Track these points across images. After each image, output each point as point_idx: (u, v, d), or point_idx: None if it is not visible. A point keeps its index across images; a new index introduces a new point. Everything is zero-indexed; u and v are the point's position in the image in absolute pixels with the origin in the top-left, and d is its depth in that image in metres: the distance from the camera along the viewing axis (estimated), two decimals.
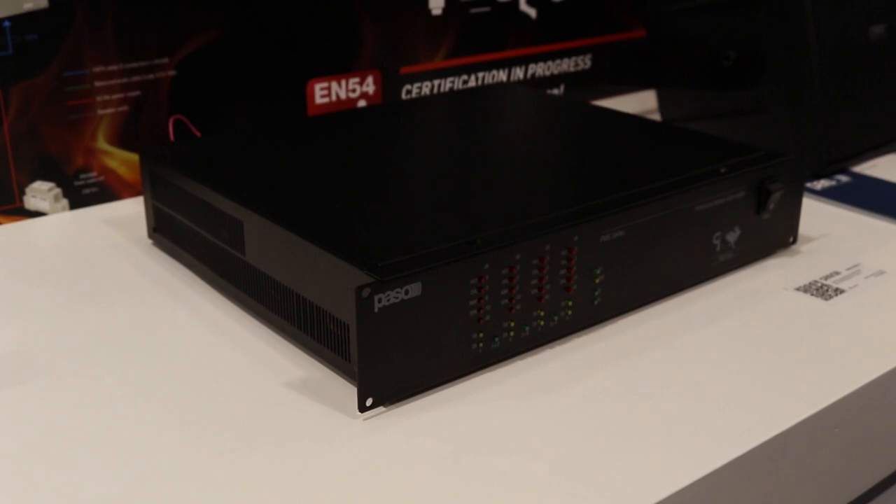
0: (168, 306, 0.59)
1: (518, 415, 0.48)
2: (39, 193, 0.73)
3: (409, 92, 0.90)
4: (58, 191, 0.74)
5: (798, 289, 0.62)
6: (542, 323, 0.54)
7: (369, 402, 0.48)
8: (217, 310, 0.59)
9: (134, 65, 0.74)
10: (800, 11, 0.77)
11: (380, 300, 0.46)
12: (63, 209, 0.74)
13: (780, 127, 0.81)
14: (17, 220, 0.72)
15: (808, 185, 0.79)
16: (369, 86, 0.87)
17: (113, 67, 0.73)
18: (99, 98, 0.73)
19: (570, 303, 0.55)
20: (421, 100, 0.80)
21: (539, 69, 0.98)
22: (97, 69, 0.73)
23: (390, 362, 0.48)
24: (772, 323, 0.57)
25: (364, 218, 0.54)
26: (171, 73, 0.76)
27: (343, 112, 0.75)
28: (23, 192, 0.72)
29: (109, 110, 0.74)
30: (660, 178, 0.60)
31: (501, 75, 0.96)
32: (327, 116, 0.74)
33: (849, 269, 0.64)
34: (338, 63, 0.84)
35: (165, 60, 0.75)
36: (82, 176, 0.74)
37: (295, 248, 0.52)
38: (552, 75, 0.99)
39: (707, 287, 0.62)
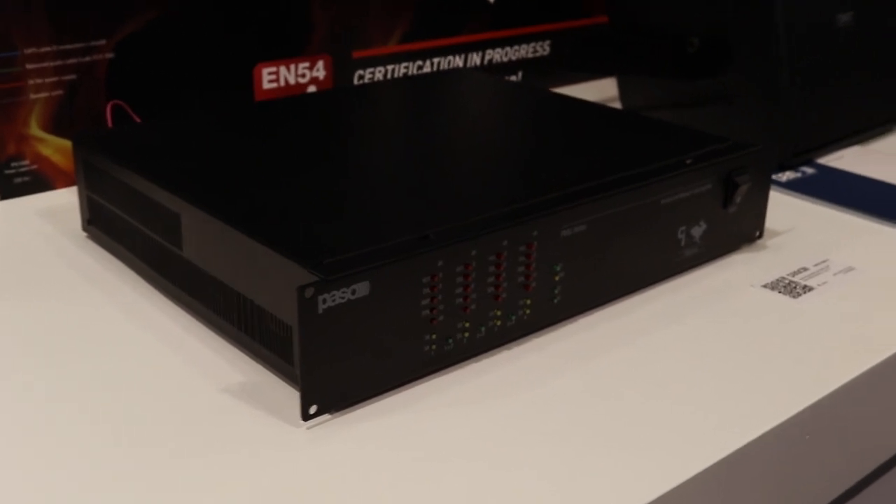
0: (100, 304, 0.56)
1: (473, 421, 0.45)
2: None
3: (361, 77, 0.86)
4: None
5: (765, 286, 0.59)
6: (498, 323, 0.51)
7: (313, 409, 0.45)
8: (153, 308, 0.55)
9: (69, 46, 0.70)
10: None
11: (324, 301, 0.43)
12: None
13: (746, 117, 0.78)
14: None
15: (774, 176, 0.76)
16: (319, 71, 0.83)
17: (46, 49, 0.69)
18: (31, 81, 0.69)
19: (529, 301, 0.52)
20: (373, 85, 0.76)
21: (497, 55, 0.95)
22: (28, 51, 0.68)
23: (336, 367, 0.45)
24: (739, 322, 0.55)
25: (310, 211, 0.51)
26: (109, 55, 0.72)
27: (291, 98, 0.71)
28: None
29: (42, 94, 0.70)
30: (624, 169, 0.57)
31: (458, 61, 0.92)
32: (274, 102, 0.70)
33: (817, 265, 0.62)
34: (287, 46, 0.81)
35: (103, 42, 0.71)
36: (14, 164, 0.70)
37: (234, 243, 0.49)
38: (510, 61, 0.96)
39: (671, 284, 0.59)
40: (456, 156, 0.60)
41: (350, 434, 0.44)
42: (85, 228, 0.64)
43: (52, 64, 0.69)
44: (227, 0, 0.76)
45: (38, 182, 0.71)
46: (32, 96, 0.69)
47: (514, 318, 0.51)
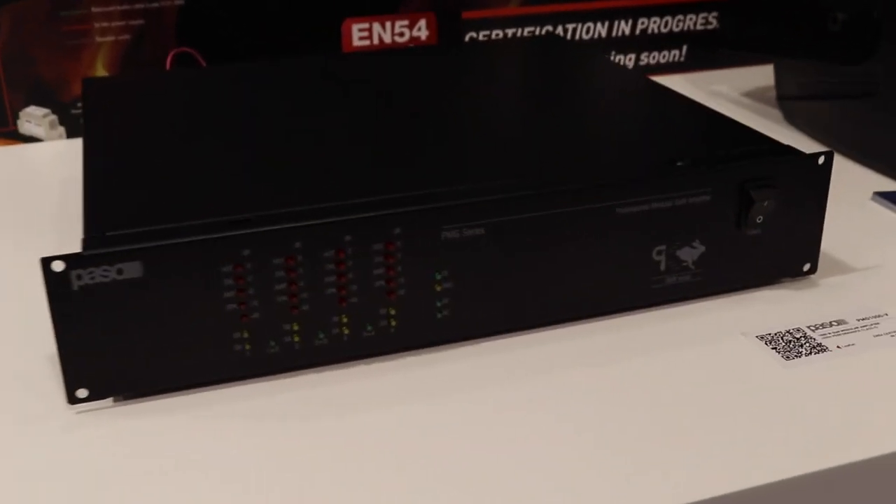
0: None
1: (260, 438, 0.39)
2: (33, 119, 0.71)
3: (473, 40, 0.78)
4: (53, 118, 0.71)
5: (761, 337, 0.45)
6: (346, 331, 0.43)
7: (83, 393, 0.40)
8: None
9: None
10: None
11: (80, 277, 0.38)
12: (59, 137, 0.72)
13: (891, 113, 0.61)
14: (11, 143, 0.71)
15: None
16: (421, 30, 0.76)
17: None
18: (97, 25, 0.70)
19: (393, 311, 0.43)
20: (400, 51, 0.68)
21: (653, 25, 0.82)
22: None
23: (111, 352, 0.40)
24: (676, 380, 0.42)
25: (165, 180, 0.46)
26: (179, 2, 0.71)
27: (342, 55, 0.66)
28: (17, 116, 0.71)
29: (109, 38, 0.70)
30: (564, 166, 0.46)
31: (599, 29, 0.81)
32: (316, 59, 0.66)
33: (863, 319, 0.46)
34: (384, 2, 0.75)
35: None
36: (80, 104, 0.72)
37: None
38: (671, 33, 0.83)
39: (637, 317, 0.47)
40: (370, 135, 0.51)
41: (112, 427, 0.40)
42: None
43: (118, 8, 0.70)
44: None
45: None
46: (98, 39, 0.70)
47: (371, 328, 0.43)
